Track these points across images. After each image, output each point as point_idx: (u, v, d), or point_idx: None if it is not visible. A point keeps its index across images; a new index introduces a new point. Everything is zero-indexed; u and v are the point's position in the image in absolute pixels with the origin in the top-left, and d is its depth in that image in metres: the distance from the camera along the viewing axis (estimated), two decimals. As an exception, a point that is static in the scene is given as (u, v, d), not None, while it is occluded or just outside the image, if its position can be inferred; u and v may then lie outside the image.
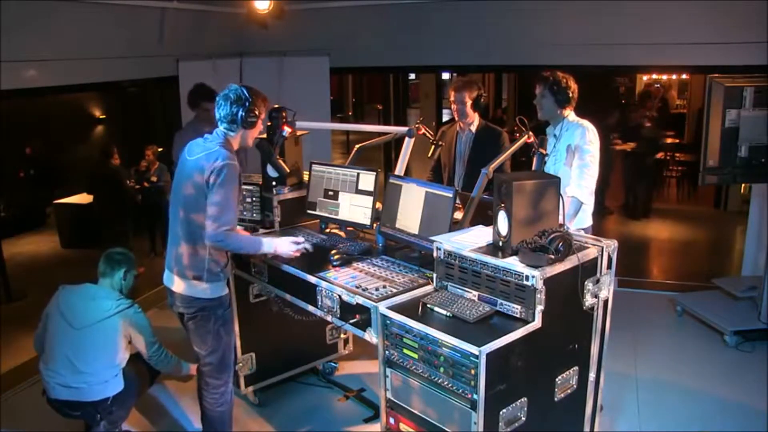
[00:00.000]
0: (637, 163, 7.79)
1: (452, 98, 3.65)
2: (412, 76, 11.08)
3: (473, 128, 3.70)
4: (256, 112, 2.64)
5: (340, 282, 2.61)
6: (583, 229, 3.06)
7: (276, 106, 3.26)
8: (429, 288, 2.48)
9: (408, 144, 3.49)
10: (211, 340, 2.73)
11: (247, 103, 2.61)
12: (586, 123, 3.15)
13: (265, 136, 3.30)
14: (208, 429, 2.89)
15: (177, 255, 2.66)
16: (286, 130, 3.32)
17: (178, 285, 2.68)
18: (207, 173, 2.52)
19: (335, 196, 3.24)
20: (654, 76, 12.16)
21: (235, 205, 2.58)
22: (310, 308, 2.79)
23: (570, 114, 3.21)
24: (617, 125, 8.27)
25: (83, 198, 7.22)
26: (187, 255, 2.63)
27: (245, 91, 2.63)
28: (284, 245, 2.76)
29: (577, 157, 3.08)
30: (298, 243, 2.81)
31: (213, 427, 2.88)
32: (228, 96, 2.62)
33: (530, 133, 2.91)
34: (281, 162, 3.30)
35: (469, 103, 3.61)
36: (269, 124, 3.30)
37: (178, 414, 3.53)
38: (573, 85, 3.16)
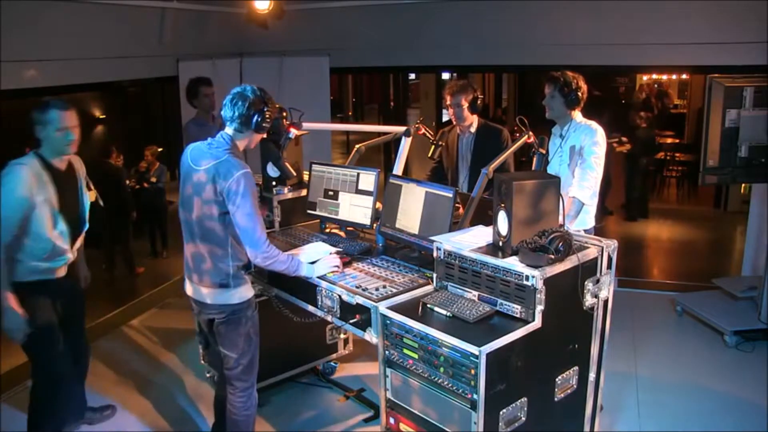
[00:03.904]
0: (637, 163, 7.80)
1: (448, 102, 3.63)
2: (412, 76, 11.08)
3: (473, 129, 3.69)
4: (269, 117, 2.57)
5: (340, 282, 2.61)
6: (586, 230, 3.06)
7: (276, 105, 3.26)
8: (429, 288, 2.48)
9: (405, 144, 3.48)
10: (243, 343, 2.68)
11: (263, 108, 2.53)
12: (594, 125, 3.14)
13: (265, 135, 3.30)
14: None
15: (198, 265, 2.60)
16: (293, 131, 3.31)
17: (204, 294, 2.62)
18: (223, 185, 2.45)
19: (335, 196, 3.24)
20: (654, 76, 12.19)
21: (259, 211, 2.55)
22: (310, 308, 2.79)
23: (578, 115, 3.20)
24: (617, 125, 8.27)
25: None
26: (210, 264, 2.57)
27: (263, 95, 2.55)
28: (326, 266, 2.73)
29: (581, 158, 3.07)
30: (331, 253, 2.81)
31: None
32: (245, 96, 2.51)
33: (530, 133, 2.91)
34: (288, 165, 3.29)
35: (465, 106, 3.58)
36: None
37: (192, 413, 3.53)
38: (583, 86, 3.14)
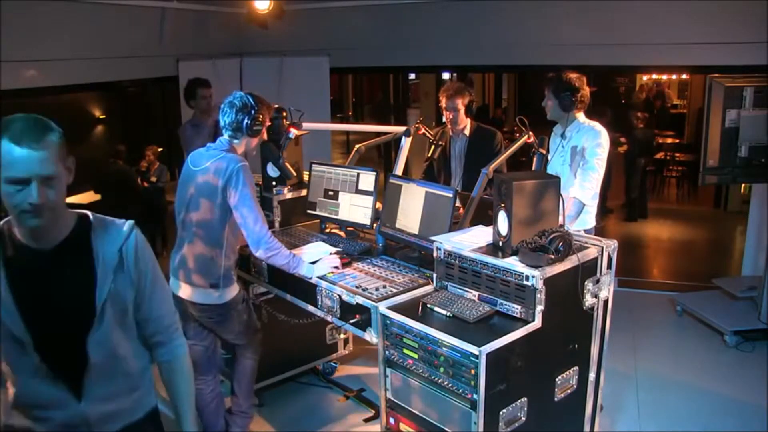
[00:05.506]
0: (637, 163, 7.79)
1: (444, 105, 3.60)
2: (412, 76, 11.07)
3: (467, 132, 3.68)
4: (261, 120, 2.66)
5: (340, 282, 2.61)
6: (586, 230, 3.05)
7: (276, 106, 3.26)
8: (429, 288, 2.48)
9: (405, 144, 3.48)
10: (238, 328, 2.84)
11: (252, 111, 2.62)
12: (598, 126, 3.13)
13: (265, 137, 3.30)
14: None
15: (189, 264, 2.63)
16: (293, 131, 3.32)
17: (191, 293, 2.65)
18: (221, 181, 2.51)
19: (335, 196, 3.24)
20: (654, 76, 12.18)
21: (258, 204, 2.60)
22: (310, 308, 2.79)
23: (581, 116, 3.20)
24: (617, 125, 8.27)
25: (85, 198, 7.21)
26: (203, 264, 2.61)
27: (251, 99, 2.63)
28: (326, 266, 2.73)
29: (583, 159, 3.07)
30: (331, 253, 2.83)
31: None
32: (233, 103, 2.62)
33: (530, 133, 2.91)
34: (288, 165, 3.30)
35: (462, 109, 3.57)
36: (268, 124, 3.29)
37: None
38: (583, 89, 3.11)
